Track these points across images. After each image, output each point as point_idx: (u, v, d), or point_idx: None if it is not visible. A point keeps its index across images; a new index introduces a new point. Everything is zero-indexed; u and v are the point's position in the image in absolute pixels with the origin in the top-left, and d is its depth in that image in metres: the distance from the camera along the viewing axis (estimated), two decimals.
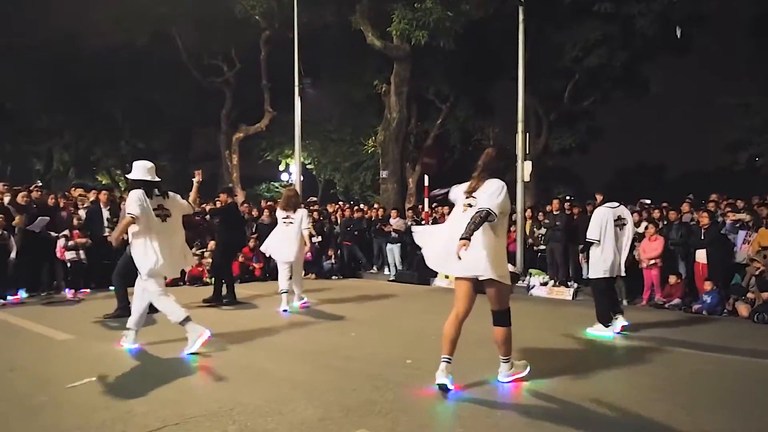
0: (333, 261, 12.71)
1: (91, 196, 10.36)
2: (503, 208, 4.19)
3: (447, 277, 11.60)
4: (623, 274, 6.78)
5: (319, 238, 12.31)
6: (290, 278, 8.20)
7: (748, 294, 8.20)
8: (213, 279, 9.09)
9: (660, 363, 5.36)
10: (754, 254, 8.35)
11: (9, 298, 8.46)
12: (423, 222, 12.86)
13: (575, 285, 10.10)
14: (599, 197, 7.12)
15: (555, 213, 10.76)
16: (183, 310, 5.42)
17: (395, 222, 12.76)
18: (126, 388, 4.34)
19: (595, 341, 6.38)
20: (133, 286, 5.76)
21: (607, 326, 6.57)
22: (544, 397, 4.22)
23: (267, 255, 8.85)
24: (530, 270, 10.93)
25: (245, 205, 14.12)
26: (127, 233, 5.40)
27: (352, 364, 5.08)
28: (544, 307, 8.87)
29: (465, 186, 4.41)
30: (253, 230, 12.26)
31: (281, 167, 27.27)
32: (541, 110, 19.78)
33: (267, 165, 27.96)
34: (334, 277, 12.41)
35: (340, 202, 17.10)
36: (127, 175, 5.64)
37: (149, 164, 5.60)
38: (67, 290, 8.98)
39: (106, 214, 9.65)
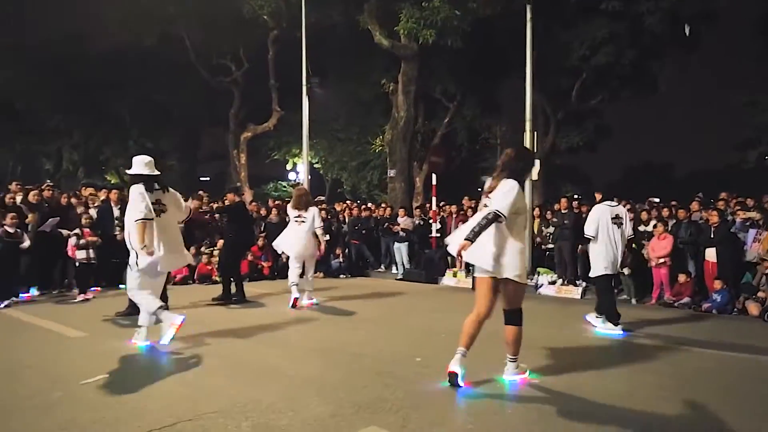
0: (341, 260, 12.75)
1: (102, 195, 10.44)
2: (516, 208, 4.21)
3: (455, 275, 11.64)
4: (620, 270, 6.85)
5: (327, 237, 12.33)
6: (301, 276, 8.29)
7: (759, 293, 8.16)
8: (221, 277, 9.14)
9: (669, 361, 5.36)
10: (765, 253, 8.30)
11: (21, 295, 8.56)
12: (431, 221, 12.86)
13: (584, 284, 10.08)
14: (598, 196, 7.19)
15: (563, 211, 10.74)
16: (158, 301, 5.52)
17: (403, 221, 12.78)
18: (139, 385, 4.38)
19: (603, 340, 6.37)
20: None
21: (616, 324, 6.58)
22: (554, 394, 4.23)
23: (279, 252, 8.90)
24: (538, 269, 10.92)
25: (253, 203, 14.20)
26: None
27: (362, 362, 5.11)
28: (553, 305, 8.86)
29: (487, 185, 4.45)
30: (262, 229, 12.33)
31: (288, 166, 27.36)
32: (549, 109, 19.71)
33: (274, 164, 28.08)
34: (342, 276, 12.45)
35: (348, 201, 17.15)
36: (127, 171, 5.70)
37: (147, 158, 5.68)
38: (76, 290, 9.07)
39: (116, 213, 9.71)
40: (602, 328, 6.66)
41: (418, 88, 17.26)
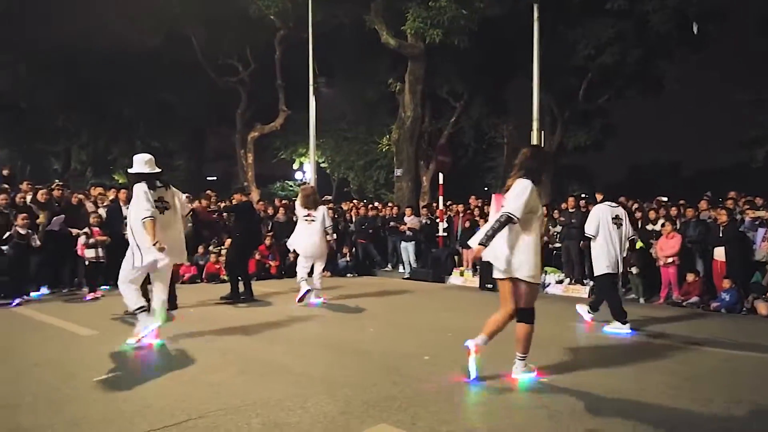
0: (348, 259, 12.78)
1: (111, 195, 10.51)
2: (530, 208, 4.24)
3: (462, 275, 11.64)
4: (629, 269, 6.89)
5: (335, 236, 12.38)
6: (310, 274, 8.39)
7: None
8: (229, 276, 9.18)
9: (677, 360, 5.34)
10: None
11: (32, 294, 8.64)
12: (437, 220, 12.87)
13: (591, 283, 10.04)
14: (599, 196, 7.21)
15: (570, 211, 10.71)
16: (142, 301, 5.57)
17: (410, 220, 12.79)
18: (149, 382, 4.42)
19: (612, 339, 6.36)
20: (150, 283, 5.87)
21: (624, 323, 6.59)
22: (562, 392, 4.24)
23: (291, 250, 8.97)
24: (546, 268, 10.88)
25: (260, 203, 14.25)
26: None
27: (371, 360, 5.12)
28: (560, 305, 8.84)
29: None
30: (269, 228, 12.37)
31: (295, 166, 27.43)
32: (556, 108, 19.67)
33: (281, 164, 28.17)
34: (349, 275, 12.48)
35: (355, 201, 17.17)
36: (129, 170, 5.76)
37: (147, 156, 5.74)
38: (86, 289, 9.14)
39: (125, 212, 9.74)
40: (610, 327, 6.66)
41: (424, 87, 17.28)
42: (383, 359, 5.14)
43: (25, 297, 8.35)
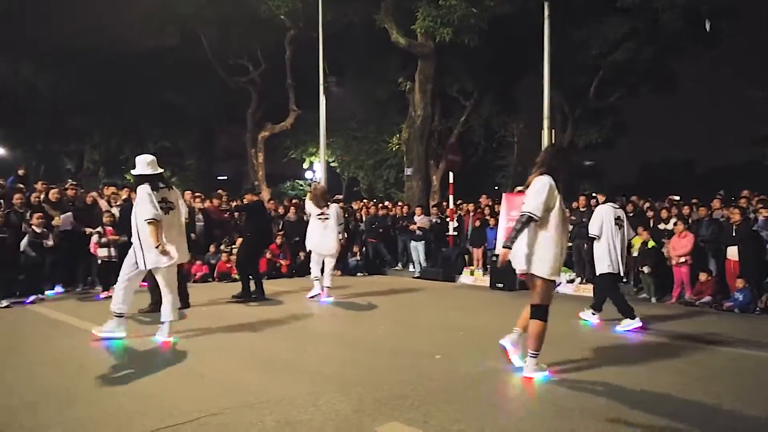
0: (358, 258, 12.81)
1: (123, 194, 10.60)
2: (548, 205, 4.30)
3: (472, 274, 11.63)
4: (621, 274, 6.94)
5: (345, 235, 12.42)
6: (321, 272, 8.55)
7: None
8: (240, 275, 9.24)
9: (690, 360, 5.31)
10: None
11: (46, 292, 8.76)
12: (448, 219, 12.86)
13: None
14: (602, 197, 7.21)
15: (581, 209, 10.66)
16: (128, 307, 5.78)
17: (420, 219, 12.80)
18: (163, 380, 4.48)
19: (623, 338, 6.34)
20: None
21: (633, 317, 6.60)
22: (574, 391, 4.23)
23: (308, 250, 9.05)
24: None
25: (271, 202, 14.31)
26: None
27: (382, 359, 5.14)
28: (571, 304, 8.79)
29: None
30: (280, 227, 12.42)
31: (305, 165, 27.52)
32: (567, 106, 19.57)
33: (291, 163, 28.28)
34: (359, 274, 12.51)
35: (365, 200, 17.20)
36: (132, 171, 5.82)
37: (150, 157, 5.80)
38: (99, 287, 9.24)
39: None
40: (622, 326, 6.63)
41: (434, 86, 17.26)
42: (395, 358, 5.16)
43: (39, 295, 8.47)
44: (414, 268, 12.67)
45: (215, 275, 11.06)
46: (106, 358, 5.11)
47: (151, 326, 6.17)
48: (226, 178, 35.10)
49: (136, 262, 5.63)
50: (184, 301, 7.72)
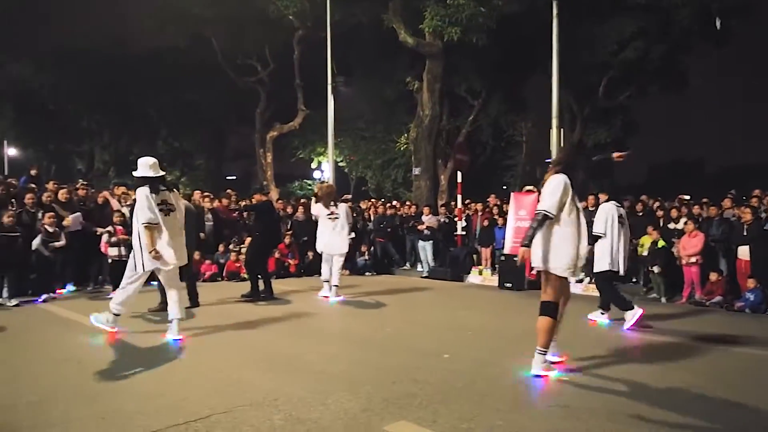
0: (366, 257, 12.82)
1: (134, 194, 10.67)
2: (563, 202, 4.37)
3: (481, 273, 11.61)
4: (622, 272, 6.95)
5: (353, 235, 12.44)
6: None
7: None
8: (249, 275, 9.28)
9: (700, 360, 5.28)
10: None
11: (58, 291, 8.84)
12: (456, 219, 12.84)
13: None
14: (604, 197, 7.20)
15: (590, 209, 10.60)
16: (127, 308, 5.91)
17: (428, 219, 12.78)
18: (173, 378, 4.51)
19: (634, 338, 6.31)
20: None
21: (631, 308, 6.63)
22: (583, 391, 4.22)
23: (319, 252, 9.07)
24: None
25: (280, 201, 14.36)
26: (131, 224, 5.79)
27: (390, 358, 5.15)
28: (580, 304, 8.72)
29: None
30: (288, 227, 12.46)
31: (313, 165, 27.59)
32: (575, 105, 19.49)
33: (299, 163, 28.37)
34: (367, 274, 12.52)
35: (373, 199, 17.21)
36: (133, 173, 5.88)
37: (152, 160, 5.84)
38: (110, 287, 9.31)
39: None
40: (627, 323, 6.64)
41: (442, 85, 17.24)
42: (403, 357, 5.17)
43: (51, 294, 8.55)
44: (422, 267, 12.66)
45: (224, 274, 11.11)
46: (118, 357, 5.16)
47: (161, 325, 6.20)
48: (235, 177, 35.26)
49: (136, 266, 5.68)
50: (193, 300, 7.78)
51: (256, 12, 18.97)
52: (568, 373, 4.57)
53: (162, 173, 5.90)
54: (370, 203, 15.24)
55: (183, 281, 7.80)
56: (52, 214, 8.74)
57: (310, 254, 11.57)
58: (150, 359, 5.07)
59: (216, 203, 12.35)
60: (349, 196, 17.77)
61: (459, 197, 13.12)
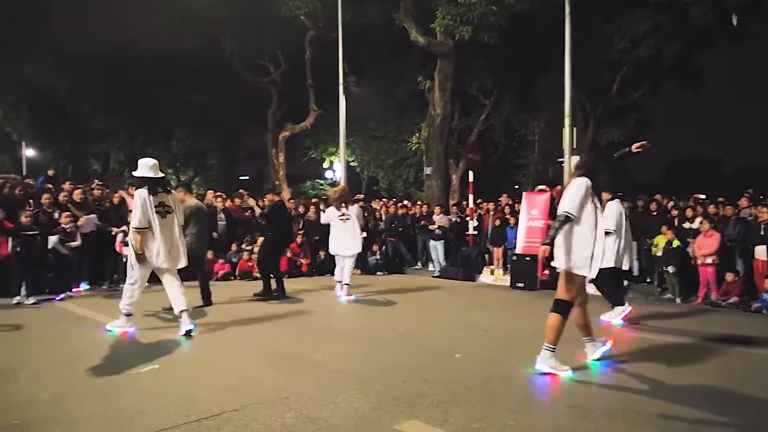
0: (378, 257, 12.83)
1: None
2: (584, 205, 4.50)
3: (492, 273, 11.57)
4: (626, 268, 7.13)
5: (365, 235, 12.46)
6: None
7: None
8: (261, 274, 9.33)
9: (716, 361, 5.22)
10: None
11: (74, 290, 8.96)
12: (467, 218, 12.80)
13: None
14: (607, 195, 7.15)
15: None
16: (132, 307, 5.97)
17: (439, 218, 12.77)
18: (186, 376, 4.55)
19: (645, 339, 6.24)
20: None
21: (622, 304, 6.87)
22: (595, 391, 4.20)
23: (333, 254, 9.09)
24: None
25: (292, 201, 14.42)
26: (128, 225, 5.89)
27: (401, 357, 5.15)
28: (591, 304, 8.70)
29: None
30: (300, 227, 12.50)
31: (325, 165, 27.66)
32: (588, 104, 19.32)
33: (311, 163, 28.45)
34: (378, 273, 12.53)
35: (384, 199, 17.22)
36: (133, 173, 5.94)
37: (152, 161, 5.90)
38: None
39: None
40: (617, 319, 6.80)
41: (454, 84, 17.20)
42: (414, 356, 5.17)
43: (68, 292, 8.67)
44: (433, 267, 12.64)
45: (237, 273, 11.18)
46: (131, 355, 5.21)
47: (173, 324, 6.25)
48: (247, 177, 35.47)
49: (133, 266, 5.76)
50: (206, 299, 7.85)
51: (268, 13, 19.04)
52: (575, 375, 4.53)
53: (162, 175, 5.95)
54: (381, 203, 15.25)
55: (196, 280, 7.91)
56: (68, 213, 8.87)
57: (322, 254, 11.60)
58: (162, 357, 5.12)
59: (228, 203, 12.44)
60: (361, 196, 17.80)
61: (471, 197, 13.08)
